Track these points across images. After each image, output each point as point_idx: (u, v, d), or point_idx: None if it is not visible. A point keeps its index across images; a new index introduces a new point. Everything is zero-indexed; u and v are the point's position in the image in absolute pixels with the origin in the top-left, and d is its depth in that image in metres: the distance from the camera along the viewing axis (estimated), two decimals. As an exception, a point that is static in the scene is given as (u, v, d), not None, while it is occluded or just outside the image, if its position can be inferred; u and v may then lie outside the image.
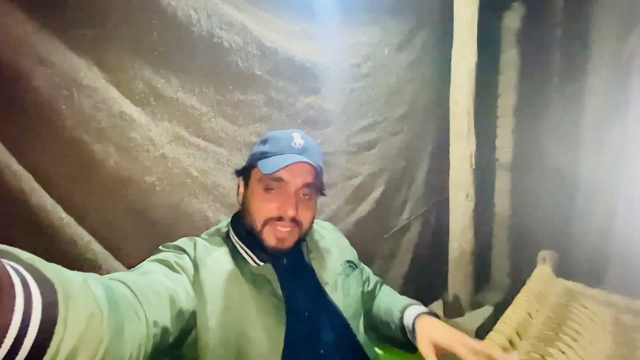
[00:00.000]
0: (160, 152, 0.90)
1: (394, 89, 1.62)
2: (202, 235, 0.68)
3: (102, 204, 0.81)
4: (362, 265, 0.84)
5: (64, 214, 0.73)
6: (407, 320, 0.70)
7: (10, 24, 0.63)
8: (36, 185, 0.69)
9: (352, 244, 0.86)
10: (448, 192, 1.62)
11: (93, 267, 0.76)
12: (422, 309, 0.72)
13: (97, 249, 0.78)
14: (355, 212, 1.50)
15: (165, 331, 0.46)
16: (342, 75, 1.38)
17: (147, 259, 0.57)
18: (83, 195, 0.78)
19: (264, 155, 0.63)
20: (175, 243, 0.62)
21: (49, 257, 0.31)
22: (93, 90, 0.76)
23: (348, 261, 0.78)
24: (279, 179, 0.62)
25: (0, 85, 0.64)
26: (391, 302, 0.78)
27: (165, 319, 0.46)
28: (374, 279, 0.86)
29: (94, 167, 0.79)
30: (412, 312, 0.71)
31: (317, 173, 0.64)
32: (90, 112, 0.76)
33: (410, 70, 1.68)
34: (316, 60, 1.26)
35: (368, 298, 0.82)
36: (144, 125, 0.87)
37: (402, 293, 0.83)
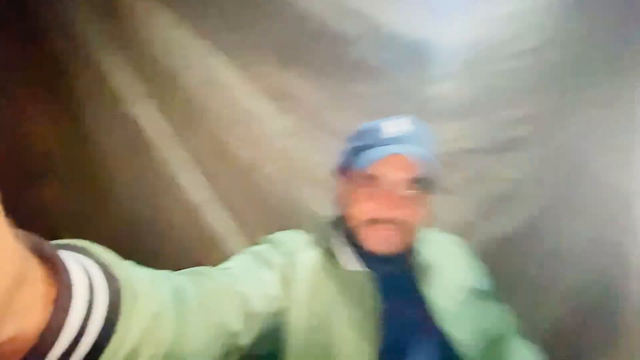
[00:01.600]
0: (282, 144, 0.95)
1: (568, 70, 1.18)
2: (302, 231, 0.65)
3: (228, 189, 0.91)
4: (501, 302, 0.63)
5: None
6: None
7: (163, 28, 0.79)
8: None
9: (493, 269, 0.66)
10: None
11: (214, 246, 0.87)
12: None
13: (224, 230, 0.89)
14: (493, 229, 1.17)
15: (234, 335, 0.42)
16: (489, 55, 1.11)
17: (242, 251, 0.57)
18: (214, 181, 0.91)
19: (356, 151, 0.56)
20: (274, 237, 0.61)
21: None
22: (227, 88, 0.87)
23: (476, 288, 0.60)
24: (375, 176, 0.54)
25: (154, 83, 0.80)
26: None
27: (236, 323, 0.43)
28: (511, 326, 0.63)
29: (226, 157, 0.90)
30: None
31: (424, 165, 0.52)
32: (223, 107, 0.87)
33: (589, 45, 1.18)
34: (447, 41, 1.05)
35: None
36: (269, 118, 0.93)
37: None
